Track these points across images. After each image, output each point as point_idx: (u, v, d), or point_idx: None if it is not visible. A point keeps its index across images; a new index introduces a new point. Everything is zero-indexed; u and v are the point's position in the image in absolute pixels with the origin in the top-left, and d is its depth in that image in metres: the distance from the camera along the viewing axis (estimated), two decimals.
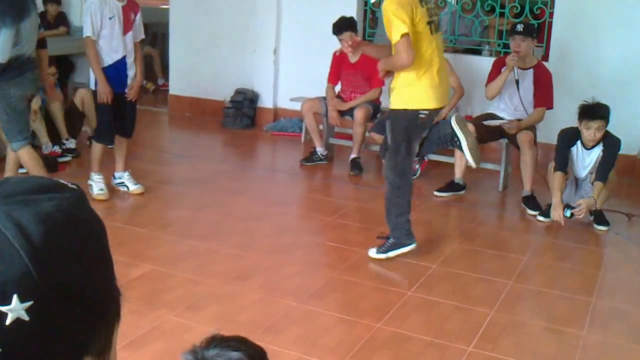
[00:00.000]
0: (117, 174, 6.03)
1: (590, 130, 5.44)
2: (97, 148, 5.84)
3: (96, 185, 5.79)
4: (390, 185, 4.66)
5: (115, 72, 5.61)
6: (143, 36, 5.92)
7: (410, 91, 4.42)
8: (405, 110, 4.44)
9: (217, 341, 1.63)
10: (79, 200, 0.77)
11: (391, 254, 4.68)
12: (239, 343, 1.63)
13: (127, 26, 5.62)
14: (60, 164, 6.68)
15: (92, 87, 5.68)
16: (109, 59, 5.58)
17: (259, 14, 8.49)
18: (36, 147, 6.90)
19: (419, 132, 4.61)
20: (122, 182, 6.00)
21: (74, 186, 0.79)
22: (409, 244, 4.70)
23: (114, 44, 5.56)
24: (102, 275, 0.78)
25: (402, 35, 4.18)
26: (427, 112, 4.45)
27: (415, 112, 4.43)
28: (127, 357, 3.42)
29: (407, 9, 4.22)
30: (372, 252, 4.75)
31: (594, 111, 5.43)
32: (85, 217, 0.78)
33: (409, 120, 4.45)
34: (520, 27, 6.20)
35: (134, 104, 5.90)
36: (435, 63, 4.41)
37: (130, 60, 5.70)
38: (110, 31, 5.51)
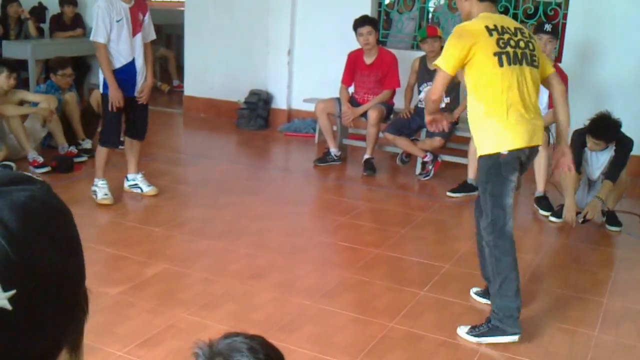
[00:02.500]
0: (130, 176, 6.02)
1: (594, 146, 5.48)
2: (102, 152, 5.75)
3: (100, 191, 5.73)
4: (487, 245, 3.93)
5: (125, 76, 5.54)
6: (154, 37, 5.82)
7: (483, 134, 3.88)
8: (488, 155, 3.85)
9: (230, 334, 1.68)
10: (49, 191, 0.77)
11: (484, 340, 3.81)
12: (249, 338, 1.68)
13: (135, 28, 5.54)
14: (76, 164, 6.74)
15: (101, 90, 5.61)
16: (118, 62, 5.52)
17: (273, 16, 8.54)
18: (53, 147, 7.00)
19: (506, 177, 3.81)
20: (136, 184, 5.98)
21: (42, 179, 0.79)
22: (512, 334, 3.80)
23: (122, 47, 5.48)
24: (77, 264, 0.79)
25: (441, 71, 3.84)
26: (506, 152, 3.78)
27: (495, 155, 3.80)
28: (142, 355, 3.47)
29: (464, 41, 3.78)
30: (462, 331, 3.88)
31: (600, 133, 5.42)
32: (59, 206, 0.78)
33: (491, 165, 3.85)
34: (548, 27, 6.03)
35: (146, 106, 5.82)
36: (510, 99, 3.79)
37: (140, 63, 5.61)
38: (119, 34, 5.43)
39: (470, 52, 3.78)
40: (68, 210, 0.79)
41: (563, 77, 6.14)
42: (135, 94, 5.65)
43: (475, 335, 3.80)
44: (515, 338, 3.76)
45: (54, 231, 0.75)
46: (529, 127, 3.83)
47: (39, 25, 10.05)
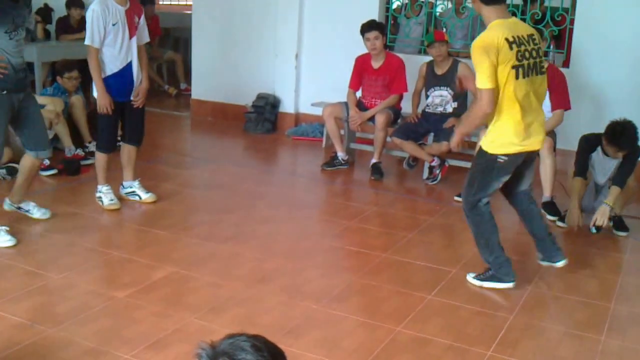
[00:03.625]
0: (125, 184, 5.95)
1: (609, 151, 5.47)
2: (100, 158, 5.71)
3: (106, 197, 5.72)
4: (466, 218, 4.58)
5: (121, 79, 5.50)
6: (147, 39, 5.74)
7: (492, 136, 4.30)
8: (486, 152, 4.33)
9: (233, 335, 1.69)
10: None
11: (486, 284, 4.53)
12: (252, 337, 1.69)
13: (132, 30, 5.50)
14: (83, 167, 6.75)
15: (94, 94, 5.54)
16: (115, 66, 5.46)
17: (281, 19, 8.56)
18: (59, 150, 7.02)
19: (497, 177, 4.37)
20: (133, 192, 5.92)
21: None
22: (507, 281, 4.51)
23: (119, 51, 5.43)
24: None
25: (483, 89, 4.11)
26: (505, 157, 4.28)
27: (494, 157, 4.29)
28: (149, 358, 3.47)
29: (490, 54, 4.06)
30: (469, 277, 4.61)
31: (618, 141, 5.39)
32: None
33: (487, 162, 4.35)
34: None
35: (142, 110, 5.77)
36: (521, 109, 4.17)
37: (136, 66, 5.57)
38: (115, 37, 5.38)
39: (496, 62, 4.06)
40: None
41: (558, 76, 6.12)
42: (132, 98, 5.61)
43: (479, 280, 4.52)
44: (511, 285, 4.46)
45: None
46: (532, 133, 4.28)
47: (45, 27, 10.07)
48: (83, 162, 6.83)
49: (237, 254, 4.89)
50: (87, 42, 5.37)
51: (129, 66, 5.53)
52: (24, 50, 5.07)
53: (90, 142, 7.17)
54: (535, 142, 4.32)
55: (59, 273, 4.44)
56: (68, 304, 4.02)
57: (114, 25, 5.37)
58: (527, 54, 4.15)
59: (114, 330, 3.73)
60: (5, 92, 4.85)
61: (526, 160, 4.43)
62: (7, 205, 5.37)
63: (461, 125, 4.63)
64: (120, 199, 5.83)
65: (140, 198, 5.90)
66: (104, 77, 5.44)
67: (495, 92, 4.11)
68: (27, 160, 5.20)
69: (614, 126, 5.42)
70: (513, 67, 4.09)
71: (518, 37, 4.14)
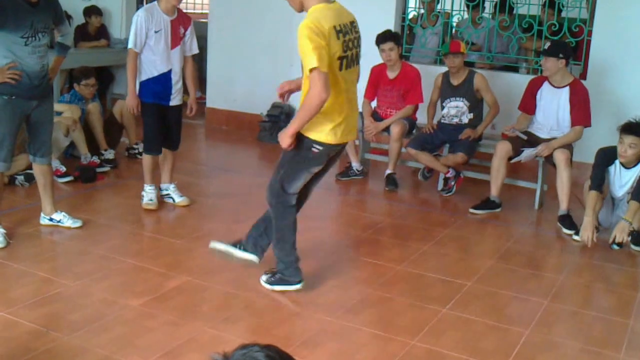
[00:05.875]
0: (162, 186, 6.12)
1: (623, 145, 5.43)
2: (145, 159, 5.92)
3: (146, 196, 5.94)
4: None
5: (159, 86, 5.65)
6: (196, 51, 5.91)
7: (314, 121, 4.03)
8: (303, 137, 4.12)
9: (245, 346, 1.67)
10: None
11: (276, 288, 4.43)
12: (265, 347, 1.66)
13: (175, 40, 5.64)
14: (99, 174, 6.77)
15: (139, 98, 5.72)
16: (151, 72, 5.62)
17: (296, 28, 8.52)
18: (75, 157, 7.04)
19: (309, 167, 4.24)
20: (168, 194, 6.09)
21: None
22: (295, 283, 4.41)
23: (158, 57, 5.59)
24: None
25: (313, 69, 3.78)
26: (321, 146, 4.12)
27: (310, 142, 4.12)
28: None
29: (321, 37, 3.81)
30: (262, 279, 4.51)
31: (630, 127, 5.39)
32: None
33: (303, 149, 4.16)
34: (546, 45, 6.18)
35: (180, 117, 5.94)
36: (343, 101, 4.07)
37: (176, 75, 5.72)
38: (156, 44, 5.55)
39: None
40: None
41: (583, 93, 6.10)
42: (170, 103, 5.76)
43: (270, 284, 4.42)
44: (299, 286, 4.37)
45: None
46: (349, 126, 4.19)
47: None
48: (99, 170, 6.85)
49: (251, 264, 4.87)
50: (129, 45, 5.58)
51: (167, 74, 5.67)
52: (47, 57, 5.01)
53: (106, 150, 7.19)
54: (351, 134, 4.24)
55: (74, 280, 4.44)
56: (83, 311, 4.02)
57: (156, 32, 5.54)
58: (350, 44, 3.98)
59: (128, 339, 3.72)
60: (14, 97, 4.82)
61: (335, 156, 4.34)
62: (42, 220, 5.39)
63: (295, 119, 4.05)
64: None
65: (174, 201, 6.08)
66: (143, 80, 5.63)
67: (328, 76, 3.82)
68: (34, 168, 5.28)
69: (627, 121, 5.46)
70: (339, 57, 3.90)
71: (344, 25, 3.95)
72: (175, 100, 5.79)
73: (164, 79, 5.66)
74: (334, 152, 4.27)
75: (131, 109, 5.70)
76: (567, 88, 6.15)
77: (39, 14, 4.82)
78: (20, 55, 4.78)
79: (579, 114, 6.09)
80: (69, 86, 8.91)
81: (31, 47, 4.81)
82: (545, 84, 6.25)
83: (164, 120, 5.79)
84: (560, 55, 6.05)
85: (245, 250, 4.58)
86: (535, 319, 4.23)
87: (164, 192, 6.11)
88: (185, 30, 5.73)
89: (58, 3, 5.11)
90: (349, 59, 3.99)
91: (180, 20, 5.68)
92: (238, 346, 1.67)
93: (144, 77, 5.63)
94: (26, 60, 4.82)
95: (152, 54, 5.57)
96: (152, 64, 5.60)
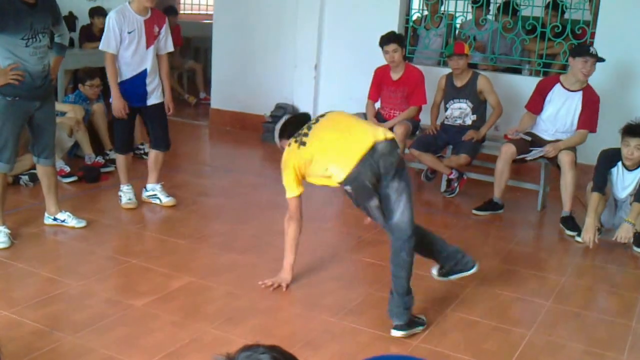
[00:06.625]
0: (148, 186, 6.09)
1: (629, 148, 5.43)
2: (118, 160, 5.96)
3: (125, 196, 5.94)
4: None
5: (132, 87, 5.63)
6: (171, 49, 5.88)
7: None
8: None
9: (249, 347, 1.67)
10: None
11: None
12: (269, 349, 1.67)
13: (150, 40, 5.62)
14: (103, 174, 6.79)
15: (110, 99, 5.70)
16: (128, 72, 5.60)
17: (300, 30, 8.57)
18: (79, 157, 7.05)
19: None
20: (155, 195, 6.05)
21: None
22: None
23: (133, 58, 5.57)
24: None
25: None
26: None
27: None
28: None
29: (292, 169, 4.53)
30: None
31: (634, 129, 5.40)
32: None
33: None
34: (594, 50, 6.07)
35: (163, 117, 5.91)
36: None
37: (150, 74, 5.69)
38: (129, 45, 5.53)
39: None
40: None
41: (594, 99, 6.11)
42: (148, 103, 5.75)
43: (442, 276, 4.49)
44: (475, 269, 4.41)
45: None
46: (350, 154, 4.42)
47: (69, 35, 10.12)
48: (103, 170, 6.87)
49: (254, 264, 4.89)
50: (101, 47, 5.55)
51: (142, 74, 5.66)
52: (47, 57, 5.03)
53: (110, 150, 7.20)
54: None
55: (77, 280, 4.46)
56: (86, 311, 4.04)
57: (129, 33, 5.51)
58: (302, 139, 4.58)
59: (131, 339, 3.74)
60: (17, 98, 4.84)
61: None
62: (46, 220, 5.41)
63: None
64: (142, 202, 6.00)
65: (160, 201, 6.04)
66: (120, 82, 5.60)
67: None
68: (38, 169, 5.32)
69: (628, 123, 5.47)
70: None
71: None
72: (152, 99, 5.77)
73: (139, 80, 5.64)
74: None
75: (118, 112, 5.62)
76: (581, 92, 6.14)
77: (38, 15, 4.84)
78: (22, 57, 4.80)
79: (587, 119, 6.09)
80: (73, 86, 8.93)
81: (32, 48, 4.83)
82: (557, 86, 6.22)
83: (146, 123, 5.85)
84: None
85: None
86: (538, 321, 4.24)
87: (151, 192, 6.08)
88: (160, 29, 5.70)
89: (55, 3, 5.13)
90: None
91: (155, 20, 5.65)
92: (242, 347, 1.67)
93: (122, 78, 5.61)
94: (28, 61, 4.83)
95: (126, 54, 5.55)
96: (126, 65, 5.58)
